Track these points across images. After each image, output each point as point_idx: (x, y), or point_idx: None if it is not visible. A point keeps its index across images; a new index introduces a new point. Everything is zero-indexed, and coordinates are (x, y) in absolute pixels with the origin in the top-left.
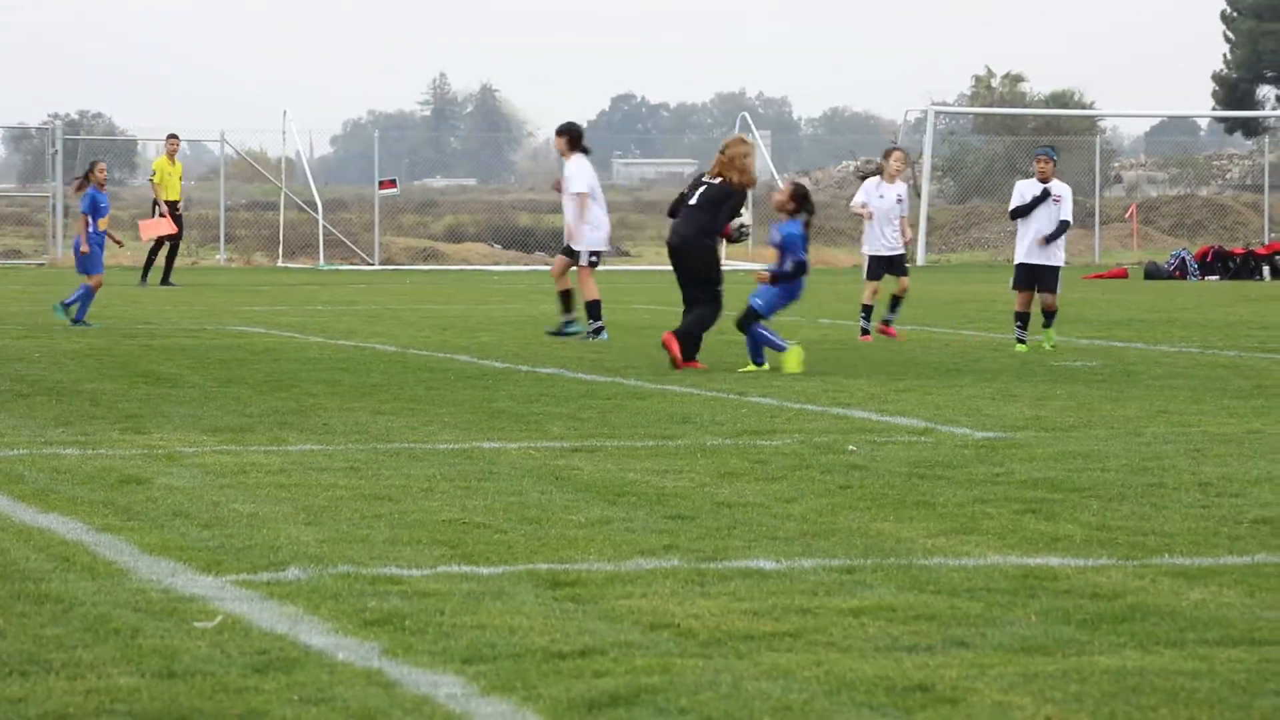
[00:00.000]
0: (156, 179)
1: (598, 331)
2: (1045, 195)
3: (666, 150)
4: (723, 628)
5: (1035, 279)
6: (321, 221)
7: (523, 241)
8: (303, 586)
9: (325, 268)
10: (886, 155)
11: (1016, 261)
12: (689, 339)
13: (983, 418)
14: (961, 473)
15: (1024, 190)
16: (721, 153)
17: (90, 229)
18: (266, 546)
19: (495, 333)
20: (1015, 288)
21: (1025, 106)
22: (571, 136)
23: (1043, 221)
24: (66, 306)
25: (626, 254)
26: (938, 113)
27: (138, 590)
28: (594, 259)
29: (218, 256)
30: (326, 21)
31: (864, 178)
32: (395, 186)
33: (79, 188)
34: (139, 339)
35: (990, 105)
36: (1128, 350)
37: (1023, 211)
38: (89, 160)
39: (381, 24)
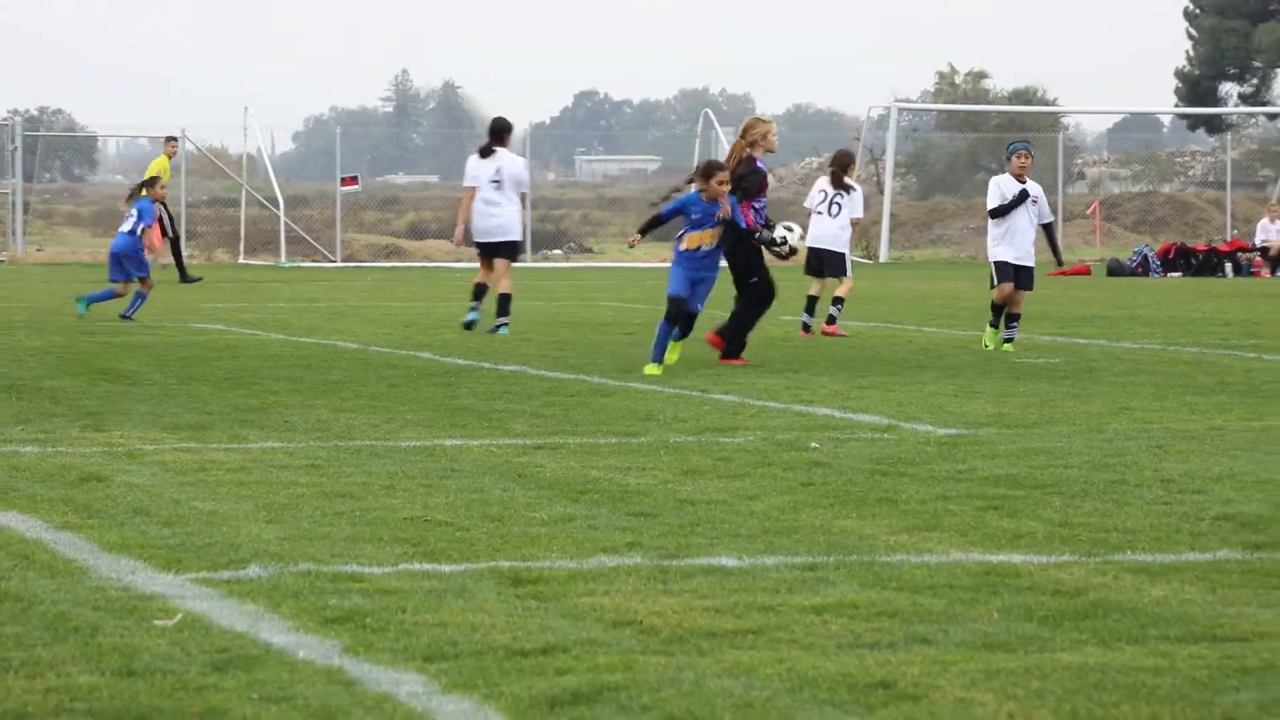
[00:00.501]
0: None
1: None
2: (1024, 196)
3: (630, 147)
4: (685, 625)
5: (1017, 277)
6: (283, 218)
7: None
8: (263, 584)
9: (287, 265)
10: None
11: (1002, 260)
12: (731, 335)
13: (945, 415)
14: (924, 470)
15: (1004, 188)
16: (742, 136)
17: (138, 233)
18: (227, 544)
19: (457, 330)
20: (1003, 282)
21: (988, 103)
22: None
23: (1022, 221)
24: (125, 315)
25: (590, 250)
26: (901, 109)
27: (97, 588)
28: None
29: None
30: (288, 17)
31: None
32: (357, 183)
33: (132, 196)
34: (99, 336)
35: (953, 102)
36: (1090, 347)
37: (1003, 211)
38: (49, 154)
39: (344, 20)
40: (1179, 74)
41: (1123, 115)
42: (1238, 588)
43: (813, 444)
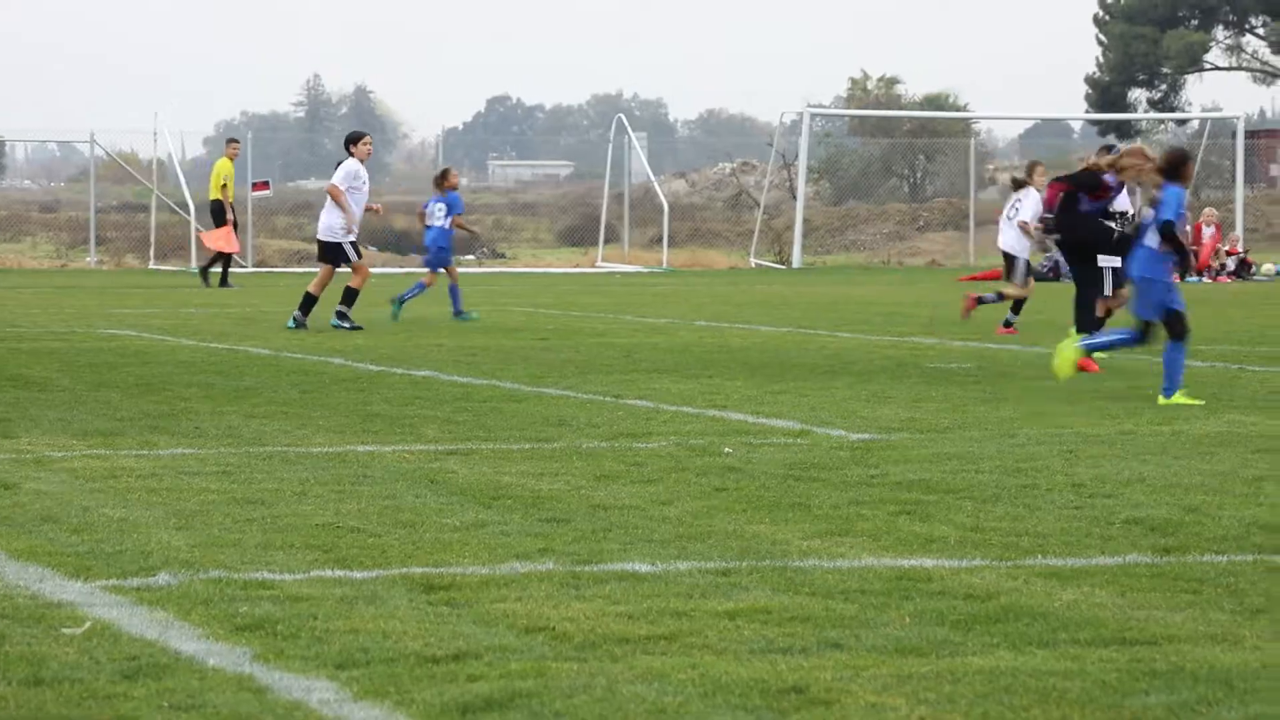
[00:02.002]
0: (227, 185)
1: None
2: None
3: (542, 152)
4: (598, 631)
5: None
6: (194, 224)
7: (398, 244)
8: (173, 592)
9: (197, 270)
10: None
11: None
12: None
13: (858, 419)
14: (837, 474)
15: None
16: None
17: (445, 226)
18: (137, 551)
19: (370, 335)
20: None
21: (900, 109)
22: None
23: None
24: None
25: (502, 256)
26: (813, 115)
27: (4, 596)
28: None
29: (88, 259)
30: (199, 21)
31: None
32: (269, 188)
33: (440, 185)
34: (7, 341)
35: (866, 108)
36: (1002, 352)
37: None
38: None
39: (254, 24)
40: (1089, 80)
41: (1034, 121)
42: (1147, 591)
43: (726, 449)
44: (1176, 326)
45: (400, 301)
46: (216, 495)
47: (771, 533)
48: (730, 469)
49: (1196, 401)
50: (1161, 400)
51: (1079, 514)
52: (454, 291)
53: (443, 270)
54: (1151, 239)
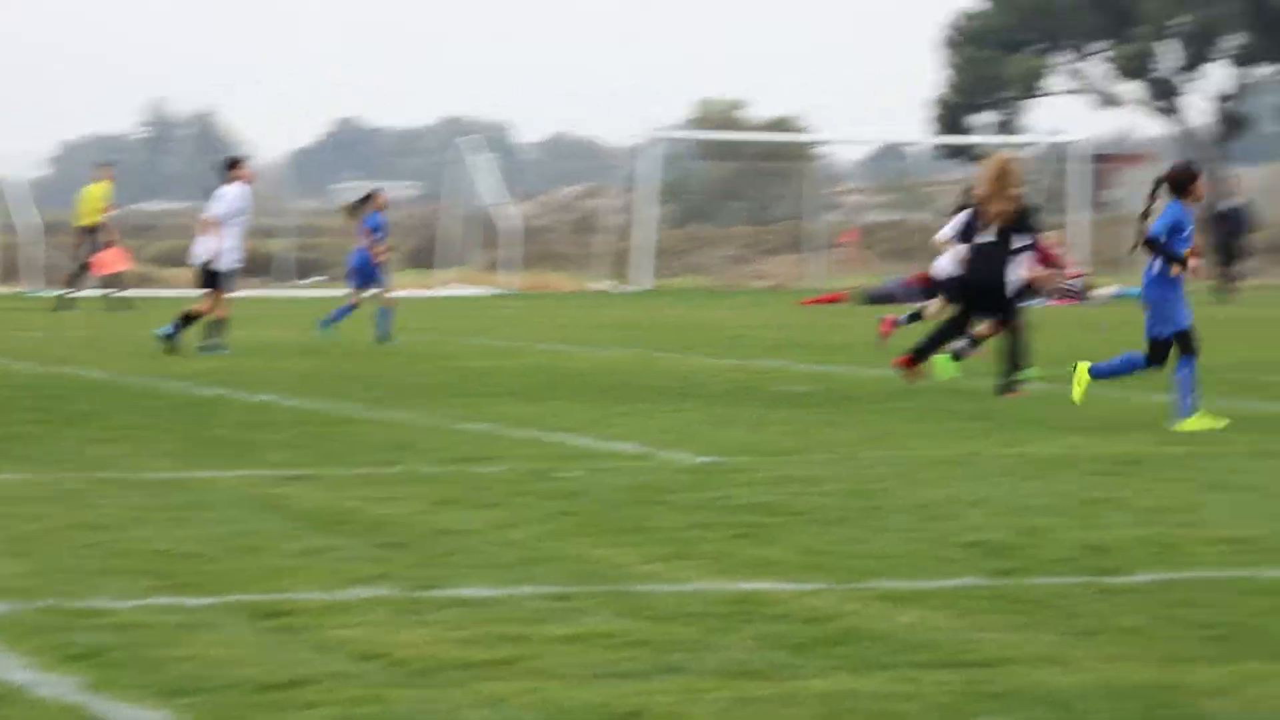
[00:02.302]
0: (103, 208)
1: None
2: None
3: (389, 174)
4: (437, 656)
5: None
6: (41, 245)
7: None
8: (4, 621)
9: (32, 294)
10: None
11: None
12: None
13: (702, 442)
14: (679, 497)
15: None
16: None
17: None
18: None
19: (210, 359)
20: None
21: (745, 132)
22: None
23: None
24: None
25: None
26: (659, 139)
27: None
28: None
29: None
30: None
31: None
32: (113, 210)
33: (354, 212)
34: None
35: (711, 131)
36: (846, 375)
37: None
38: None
39: (98, 45)
40: (933, 103)
41: (878, 145)
42: (985, 613)
43: (568, 473)
44: (1185, 345)
45: (331, 323)
46: (53, 521)
47: (612, 556)
48: (572, 493)
49: (1219, 424)
50: (1178, 426)
51: (919, 536)
52: (382, 313)
53: (372, 292)
54: (1157, 260)
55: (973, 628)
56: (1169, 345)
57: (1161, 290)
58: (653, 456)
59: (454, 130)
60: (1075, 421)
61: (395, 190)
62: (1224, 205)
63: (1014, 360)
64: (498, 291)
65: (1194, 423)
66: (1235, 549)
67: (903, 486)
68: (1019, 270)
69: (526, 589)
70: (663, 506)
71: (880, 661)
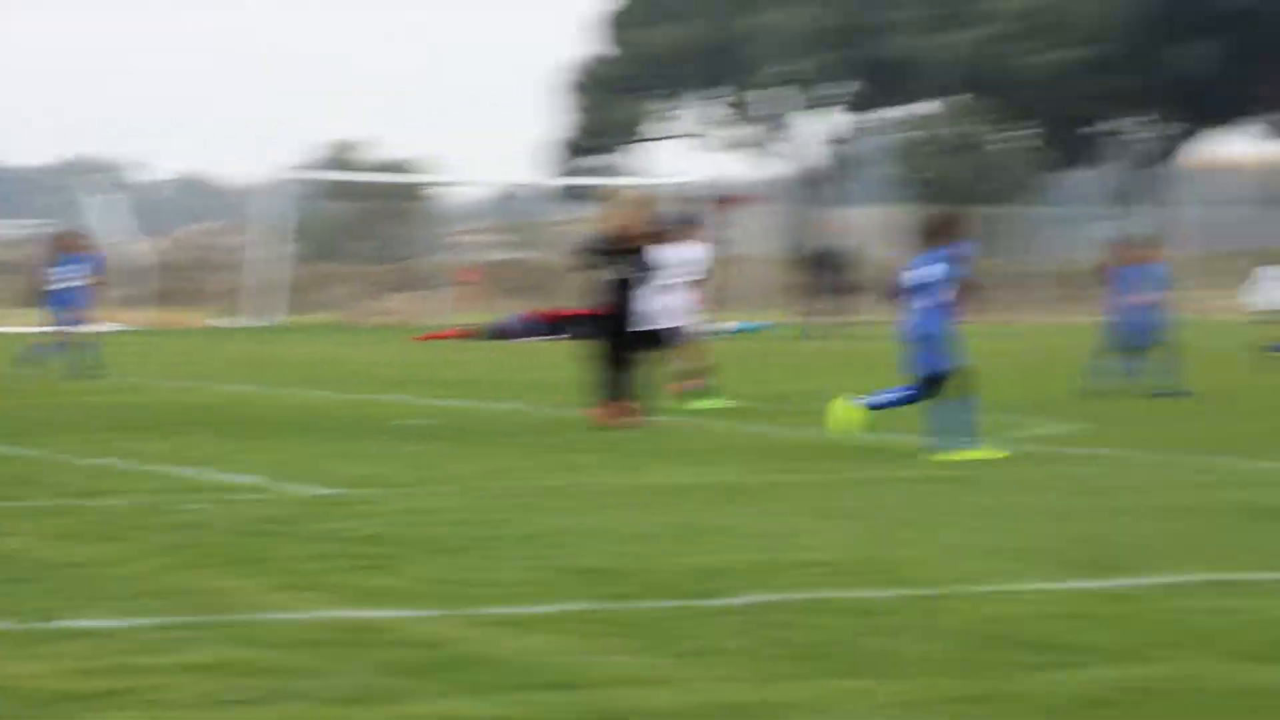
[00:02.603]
0: None
1: None
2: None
3: (9, 212)
4: (54, 688)
5: None
6: None
7: None
8: None
9: None
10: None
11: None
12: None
13: (325, 474)
14: (299, 529)
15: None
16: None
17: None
18: None
19: None
20: None
21: (360, 173)
22: None
23: None
24: None
25: None
26: (287, 179)
27: None
28: None
29: None
30: None
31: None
32: None
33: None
34: None
35: (331, 172)
36: (466, 409)
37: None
38: None
39: None
40: (555, 146)
41: (496, 186)
42: (597, 636)
43: (190, 505)
44: (944, 382)
45: (29, 360)
46: None
47: (233, 587)
48: (191, 525)
49: (999, 454)
50: (940, 456)
51: (536, 564)
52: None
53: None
54: (922, 298)
55: (586, 650)
56: (943, 379)
57: (936, 327)
58: (276, 489)
59: (82, 168)
60: (693, 454)
61: (12, 230)
62: (820, 245)
63: (615, 389)
64: (126, 327)
65: (969, 454)
66: (830, 571)
67: (522, 516)
68: (655, 301)
69: (146, 620)
70: (284, 538)
71: (495, 684)
